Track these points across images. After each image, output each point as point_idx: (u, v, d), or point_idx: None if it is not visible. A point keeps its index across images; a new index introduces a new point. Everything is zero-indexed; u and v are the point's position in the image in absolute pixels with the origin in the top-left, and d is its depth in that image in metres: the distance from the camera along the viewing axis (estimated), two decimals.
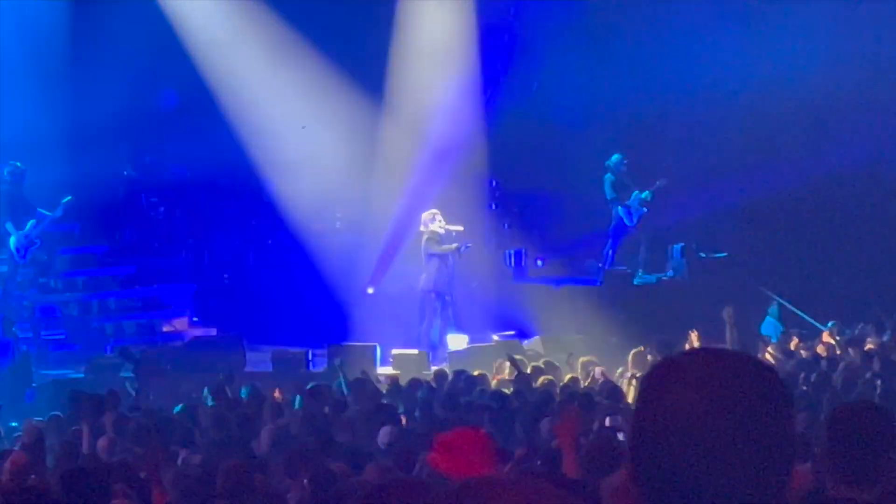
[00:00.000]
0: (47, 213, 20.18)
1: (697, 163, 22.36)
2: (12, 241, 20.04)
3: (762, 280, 21.45)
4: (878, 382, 13.88)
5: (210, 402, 13.76)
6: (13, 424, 14.55)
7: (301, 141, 23.10)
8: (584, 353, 17.06)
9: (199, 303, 22.73)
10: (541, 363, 16.36)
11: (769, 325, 20.24)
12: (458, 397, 13.43)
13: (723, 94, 22.54)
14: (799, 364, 15.93)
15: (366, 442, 11.04)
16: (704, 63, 22.65)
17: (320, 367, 18.79)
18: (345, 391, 14.57)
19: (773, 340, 18.71)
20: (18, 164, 20.29)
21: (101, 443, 11.05)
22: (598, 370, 15.67)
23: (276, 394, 14.37)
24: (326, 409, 12.98)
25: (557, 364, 16.47)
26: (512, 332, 20.69)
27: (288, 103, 23.11)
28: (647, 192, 21.55)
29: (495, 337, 20.46)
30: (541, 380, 14.53)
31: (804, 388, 13.82)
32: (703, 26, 22.61)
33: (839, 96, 22.40)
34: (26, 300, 20.63)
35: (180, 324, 21.82)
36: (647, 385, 2.41)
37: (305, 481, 8.85)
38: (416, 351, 19.36)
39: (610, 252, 22.15)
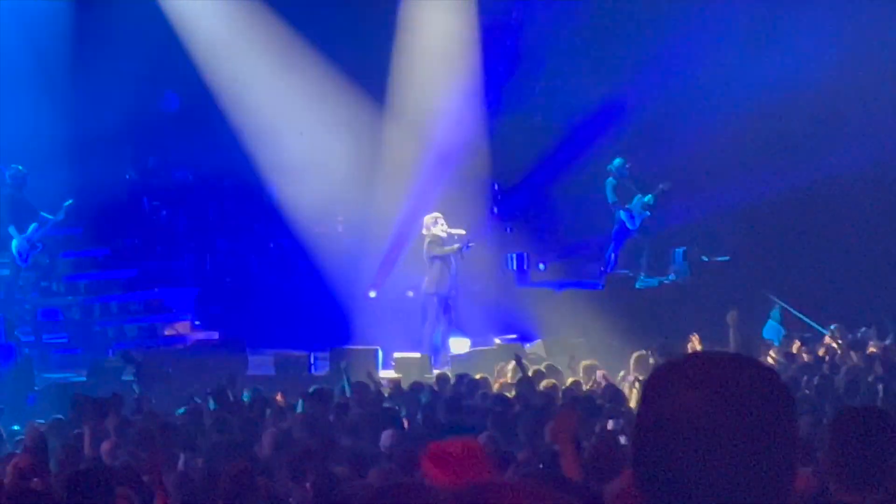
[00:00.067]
0: (49, 216, 20.17)
1: (700, 166, 22.35)
2: (14, 244, 20.04)
3: (764, 284, 21.44)
4: (881, 386, 13.87)
5: (212, 406, 13.76)
6: (15, 428, 14.56)
7: (303, 144, 23.12)
8: (586, 356, 17.05)
9: (202, 306, 22.73)
10: (543, 367, 16.34)
11: (771, 329, 20.23)
12: (460, 401, 13.43)
13: (725, 97, 22.54)
14: (801, 368, 15.92)
15: (368, 445, 11.04)
16: (708, 66, 22.66)
17: (322, 371, 18.79)
18: (348, 394, 14.57)
19: (776, 344, 18.70)
20: (20, 167, 20.29)
21: (104, 446, 11.04)
22: (599, 373, 15.67)
23: (279, 397, 14.37)
24: (331, 417, 12.97)
25: (559, 368, 16.46)
26: (514, 336, 20.70)
27: (291, 107, 23.12)
28: (649, 195, 21.54)
29: (497, 340, 20.46)
30: (543, 383, 14.52)
31: (806, 391, 13.82)
32: (707, 29, 22.62)
33: (843, 99, 22.41)
34: (28, 304, 20.64)
35: (182, 327, 21.82)
36: (650, 388, 2.42)
37: (308, 485, 8.85)
38: (418, 354, 19.36)
39: (612, 256, 22.14)
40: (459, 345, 20.31)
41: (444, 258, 19.51)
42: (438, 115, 23.18)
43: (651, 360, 15.89)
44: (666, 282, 21.86)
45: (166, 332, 21.68)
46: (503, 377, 16.36)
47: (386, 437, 10.97)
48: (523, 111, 23.64)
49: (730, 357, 2.43)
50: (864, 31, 22.34)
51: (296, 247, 23.68)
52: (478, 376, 15.56)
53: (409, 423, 12.59)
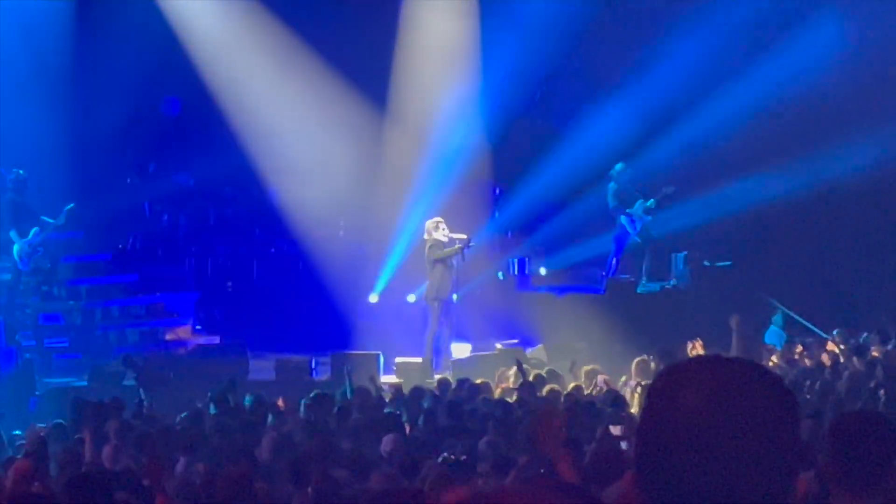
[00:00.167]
0: (50, 220, 20.17)
1: (701, 171, 22.36)
2: (15, 248, 20.04)
3: (766, 289, 21.43)
4: (882, 391, 13.86)
5: (212, 410, 13.76)
6: (16, 432, 14.55)
7: (305, 149, 23.13)
8: (588, 361, 17.04)
9: (203, 311, 22.74)
10: (544, 372, 16.34)
11: (773, 334, 20.22)
12: (461, 406, 13.43)
13: (727, 102, 22.54)
14: (803, 373, 15.91)
15: (369, 450, 11.03)
16: (709, 72, 22.67)
17: (323, 376, 18.79)
18: (349, 395, 14.57)
19: (778, 349, 18.68)
20: (21, 171, 20.29)
21: (105, 451, 11.04)
22: (600, 378, 15.66)
23: (280, 402, 14.36)
24: (332, 421, 12.96)
25: (561, 373, 16.45)
26: (515, 341, 20.69)
27: (292, 111, 23.14)
28: (651, 200, 21.52)
29: (499, 345, 20.46)
30: (545, 388, 14.52)
31: (808, 396, 13.81)
32: (708, 35, 22.62)
33: (844, 104, 22.41)
34: (29, 308, 20.63)
35: (183, 332, 21.81)
36: (654, 392, 2.41)
37: (309, 489, 8.85)
38: (419, 359, 19.35)
39: (613, 261, 22.13)
40: (460, 350, 20.30)
41: (445, 263, 19.50)
42: (439, 119, 23.20)
43: (652, 366, 15.90)
44: (667, 287, 21.85)
45: (167, 337, 21.67)
46: (504, 382, 16.35)
47: (387, 441, 10.97)
48: (524, 115, 23.64)
49: (733, 361, 2.42)
50: (865, 37, 22.35)
51: (297, 251, 23.70)
52: (479, 381, 15.55)
53: (410, 428, 12.59)
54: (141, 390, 15.70)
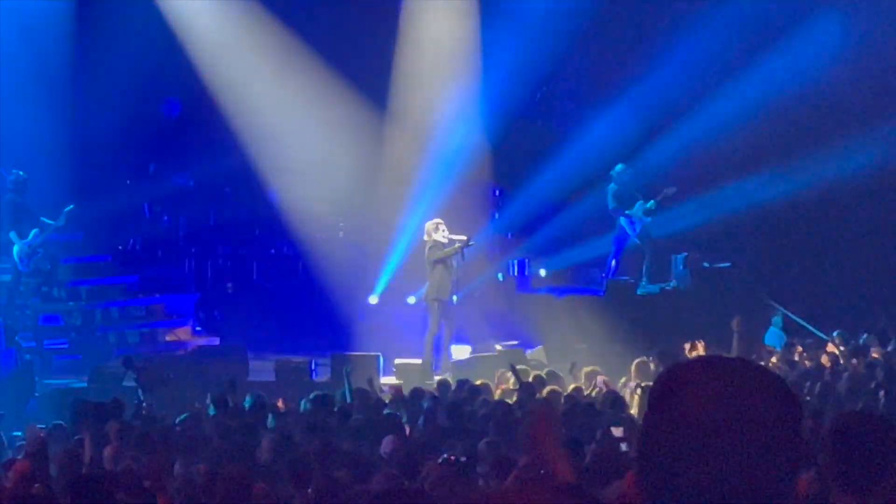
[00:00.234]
0: (50, 221, 20.17)
1: (701, 172, 22.36)
2: (15, 250, 20.04)
3: (766, 290, 21.43)
4: (882, 393, 13.87)
5: (212, 412, 13.76)
6: (16, 433, 14.55)
7: (305, 150, 23.14)
8: (588, 362, 17.04)
9: (203, 312, 22.75)
10: (543, 373, 16.34)
11: (773, 336, 20.21)
12: (461, 407, 13.43)
13: (727, 103, 22.54)
14: (803, 374, 15.91)
15: (369, 451, 11.04)
16: (708, 73, 22.69)
17: (323, 377, 18.79)
18: (348, 399, 14.57)
19: (778, 350, 18.68)
20: (21, 172, 20.29)
21: (105, 452, 11.04)
22: (600, 379, 15.66)
23: (280, 403, 14.37)
24: (332, 422, 12.97)
25: (560, 374, 16.46)
26: (515, 342, 20.69)
27: (291, 111, 23.14)
28: (651, 201, 21.51)
29: (499, 347, 20.45)
30: (545, 390, 14.52)
31: (808, 397, 13.81)
32: (708, 37, 22.63)
33: (844, 106, 22.43)
34: (29, 309, 20.63)
35: (183, 333, 21.82)
36: (656, 392, 2.41)
37: (310, 490, 8.85)
38: (419, 360, 19.35)
39: (613, 262, 22.12)
40: (460, 351, 20.31)
41: (445, 264, 19.50)
42: (440, 120, 23.21)
43: (652, 367, 15.90)
44: (667, 288, 21.84)
45: (167, 338, 21.68)
46: (504, 383, 16.35)
47: (387, 442, 10.97)
48: (524, 116, 23.64)
49: (736, 361, 2.43)
50: (864, 37, 22.35)
51: (297, 252, 23.71)
52: (479, 382, 15.55)
53: (410, 429, 12.59)
54: (139, 392, 15.70)
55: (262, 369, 19.21)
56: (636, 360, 16.16)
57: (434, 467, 9.15)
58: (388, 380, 18.41)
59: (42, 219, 20.21)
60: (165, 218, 24.32)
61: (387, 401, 14.88)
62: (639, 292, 21.64)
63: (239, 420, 12.73)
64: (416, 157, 23.13)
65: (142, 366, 17.11)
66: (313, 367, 18.99)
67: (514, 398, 14.32)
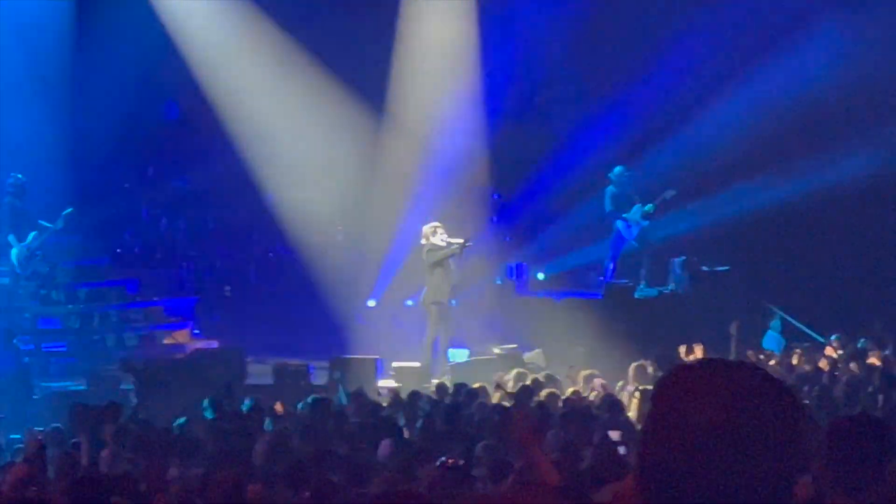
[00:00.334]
0: (48, 224, 20.18)
1: (699, 176, 22.37)
2: (14, 253, 20.05)
3: (764, 294, 21.43)
4: (880, 396, 13.87)
5: (209, 415, 13.76)
6: (14, 436, 14.55)
7: (303, 153, 23.16)
8: (586, 366, 17.04)
9: (201, 315, 22.75)
10: (542, 376, 16.33)
11: (771, 339, 20.22)
12: (458, 410, 13.43)
13: (725, 107, 22.56)
14: (801, 378, 15.91)
15: (366, 454, 11.04)
16: (708, 77, 22.71)
17: (321, 380, 18.78)
18: (344, 402, 14.57)
19: (776, 354, 18.68)
20: (20, 175, 20.30)
21: (102, 455, 11.04)
22: (597, 382, 15.66)
23: (278, 406, 14.37)
24: (330, 422, 12.98)
25: (558, 377, 16.46)
26: (513, 346, 20.68)
27: (290, 115, 23.15)
28: (649, 204, 21.52)
29: (497, 350, 20.44)
30: (543, 393, 14.52)
31: (806, 401, 13.81)
32: (707, 39, 22.65)
33: (843, 111, 22.44)
34: (27, 312, 20.63)
35: (182, 336, 21.82)
36: (659, 395, 2.41)
37: (307, 493, 8.85)
38: (417, 364, 19.35)
39: (610, 265, 22.14)
40: (458, 354, 20.30)
41: (443, 267, 19.49)
42: (438, 124, 23.22)
43: (650, 370, 15.90)
44: (665, 292, 21.84)
45: (165, 341, 21.68)
46: (503, 386, 16.34)
47: (384, 446, 10.97)
48: (523, 119, 23.65)
49: (738, 365, 2.43)
50: (862, 41, 22.36)
51: (295, 256, 23.71)
52: (476, 385, 15.55)
53: (407, 433, 12.59)
54: (131, 395, 15.71)
55: (260, 373, 19.20)
56: (634, 364, 16.15)
57: (431, 471, 9.15)
58: (386, 383, 18.41)
59: (40, 222, 20.21)
60: (164, 221, 24.33)
61: (384, 404, 14.89)
62: (637, 296, 21.64)
63: (236, 423, 12.73)
64: (414, 160, 23.15)
65: (140, 369, 17.13)
66: (312, 370, 18.98)
67: (512, 402, 14.32)
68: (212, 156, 23.26)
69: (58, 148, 21.83)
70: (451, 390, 15.55)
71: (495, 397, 15.42)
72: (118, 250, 23.51)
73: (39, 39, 22.11)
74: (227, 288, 24.62)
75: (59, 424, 13.35)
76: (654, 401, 2.42)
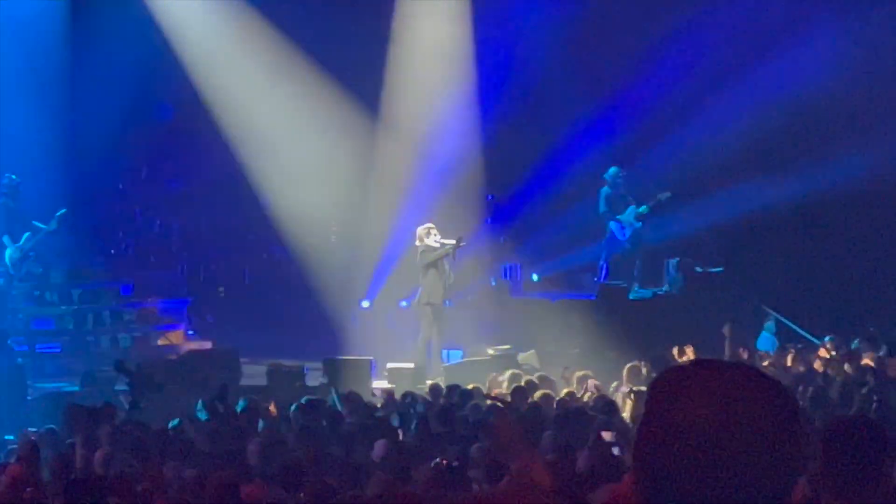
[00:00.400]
0: (42, 225, 20.16)
1: (693, 177, 22.37)
2: (7, 253, 20.04)
3: (758, 295, 21.44)
4: (875, 398, 13.87)
5: (203, 416, 13.76)
6: (9, 437, 14.54)
7: (297, 154, 23.15)
8: (580, 367, 17.04)
9: (195, 316, 22.74)
10: (536, 377, 16.34)
11: (765, 340, 20.23)
12: (452, 411, 13.43)
13: (719, 108, 22.56)
14: (795, 379, 15.92)
15: (360, 456, 11.04)
16: (702, 78, 22.70)
17: (315, 381, 18.78)
18: (338, 407, 14.57)
19: (771, 355, 18.69)
20: (14, 176, 20.29)
21: (97, 456, 11.03)
22: (591, 383, 15.67)
23: (272, 408, 14.36)
24: (324, 423, 12.99)
25: (553, 378, 16.46)
26: (507, 347, 20.69)
27: (284, 116, 23.15)
28: (644, 206, 21.53)
29: (491, 351, 20.45)
30: (537, 394, 14.52)
31: (800, 402, 13.82)
32: (701, 42, 22.67)
33: (836, 112, 22.44)
34: (21, 313, 20.62)
35: (176, 337, 21.81)
36: (654, 395, 2.41)
37: (302, 494, 8.85)
38: (411, 365, 19.35)
39: (603, 266, 22.15)
40: (452, 355, 20.30)
41: (437, 268, 19.50)
42: (432, 126, 23.22)
43: (644, 371, 15.91)
44: (660, 293, 21.85)
45: (159, 342, 21.67)
46: (497, 388, 16.35)
47: (378, 447, 10.97)
48: (517, 120, 23.64)
49: (734, 365, 2.43)
50: (858, 43, 22.38)
51: (289, 257, 23.70)
52: (470, 386, 15.55)
53: (402, 434, 12.60)
54: (121, 398, 15.69)
55: (254, 374, 19.20)
56: (628, 365, 16.17)
57: (426, 472, 9.16)
58: (379, 384, 18.40)
59: (34, 223, 20.20)
60: (158, 222, 24.31)
61: (378, 405, 14.89)
62: (631, 297, 21.65)
63: (230, 425, 12.72)
64: (409, 161, 23.14)
65: (134, 370, 17.09)
66: (305, 371, 18.97)
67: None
68: (206, 157, 23.25)
69: (52, 149, 21.81)
70: (444, 391, 15.54)
71: (494, 392, 15.42)
72: (112, 251, 23.49)
73: (34, 40, 22.09)
74: (221, 289, 24.61)
75: (53, 426, 13.33)
76: (649, 402, 2.42)
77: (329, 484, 8.95)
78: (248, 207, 23.85)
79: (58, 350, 20.80)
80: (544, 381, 16.02)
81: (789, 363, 17.48)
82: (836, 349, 18.17)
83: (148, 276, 23.00)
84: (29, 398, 17.70)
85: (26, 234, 20.10)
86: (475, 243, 21.70)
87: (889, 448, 4.83)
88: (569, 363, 17.57)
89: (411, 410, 14.02)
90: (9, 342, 18.76)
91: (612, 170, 21.81)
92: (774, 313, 20.83)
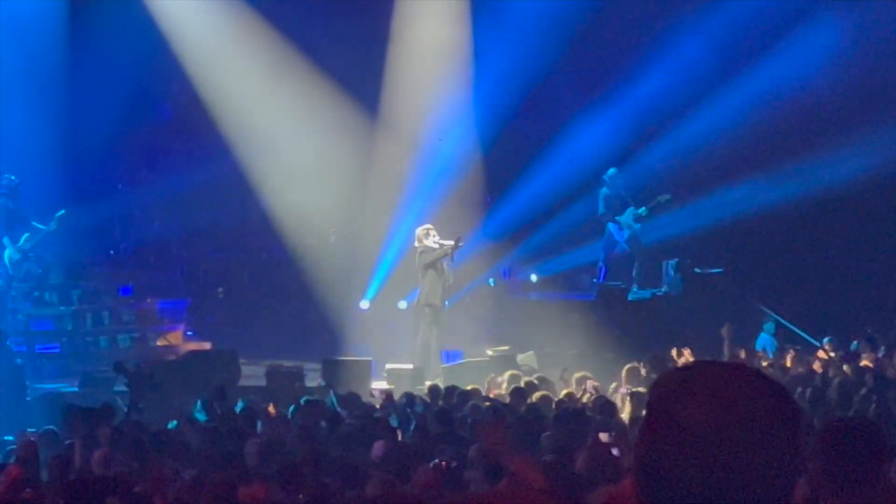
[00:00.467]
0: (42, 226, 20.17)
1: (692, 178, 22.39)
2: (6, 254, 20.04)
3: (757, 296, 21.44)
4: (874, 398, 13.87)
5: (202, 417, 13.76)
6: (8, 438, 14.54)
7: (296, 155, 23.15)
8: (579, 368, 17.04)
9: (194, 317, 22.74)
10: (535, 378, 16.34)
11: (764, 341, 20.24)
12: (451, 412, 13.43)
13: (718, 110, 22.58)
14: (794, 380, 15.92)
15: (359, 456, 11.04)
16: (700, 80, 22.71)
17: (314, 382, 18.78)
18: (337, 407, 14.57)
19: (769, 356, 18.70)
20: (13, 177, 20.30)
21: (96, 457, 11.03)
22: (589, 384, 15.67)
23: (271, 408, 14.36)
24: (323, 423, 12.99)
25: (551, 379, 16.47)
26: (506, 347, 20.69)
27: (283, 117, 23.15)
28: (643, 208, 21.54)
29: (490, 352, 20.45)
30: (536, 395, 14.53)
31: (799, 403, 13.81)
32: (701, 41, 22.67)
33: (836, 114, 22.46)
34: (20, 314, 20.62)
35: (175, 338, 21.81)
36: (656, 396, 2.42)
37: (301, 496, 8.85)
38: (410, 365, 19.35)
39: (602, 267, 22.16)
40: (451, 356, 20.30)
41: (436, 268, 19.51)
42: (431, 126, 23.23)
43: (643, 372, 15.91)
44: (658, 294, 21.85)
45: (158, 343, 21.67)
46: (495, 389, 16.36)
47: (377, 447, 10.97)
48: (516, 121, 23.65)
49: (735, 367, 2.44)
50: (856, 47, 22.39)
51: (288, 258, 23.69)
52: (469, 387, 15.55)
53: (401, 435, 12.60)
54: (118, 400, 15.70)
55: (253, 374, 19.20)
56: (627, 366, 16.17)
57: (425, 472, 9.16)
58: (379, 384, 18.41)
59: (34, 223, 20.21)
60: (157, 223, 24.31)
61: (377, 406, 14.89)
62: (630, 298, 21.65)
63: (228, 425, 12.72)
64: (408, 161, 23.15)
65: (133, 371, 17.10)
66: (304, 372, 18.98)
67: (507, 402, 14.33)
68: (205, 157, 23.24)
69: (51, 149, 21.81)
70: (443, 392, 15.55)
71: (493, 393, 15.43)
72: (111, 252, 23.49)
73: (33, 41, 22.09)
74: (220, 289, 24.61)
75: (52, 426, 13.32)
76: (650, 403, 2.42)
77: (328, 484, 8.96)
78: (248, 208, 23.85)
79: (57, 351, 20.80)
80: (543, 382, 16.02)
81: (788, 364, 17.49)
82: (835, 350, 18.18)
83: (147, 277, 23.00)
84: (28, 399, 17.69)
85: (25, 235, 20.10)
86: (474, 244, 21.71)
87: (887, 449, 4.84)
88: (568, 364, 17.57)
89: (410, 411, 14.02)
90: (8, 343, 18.76)
91: (611, 171, 21.82)
92: (773, 314, 20.83)
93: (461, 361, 19.96)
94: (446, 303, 19.92)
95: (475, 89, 23.78)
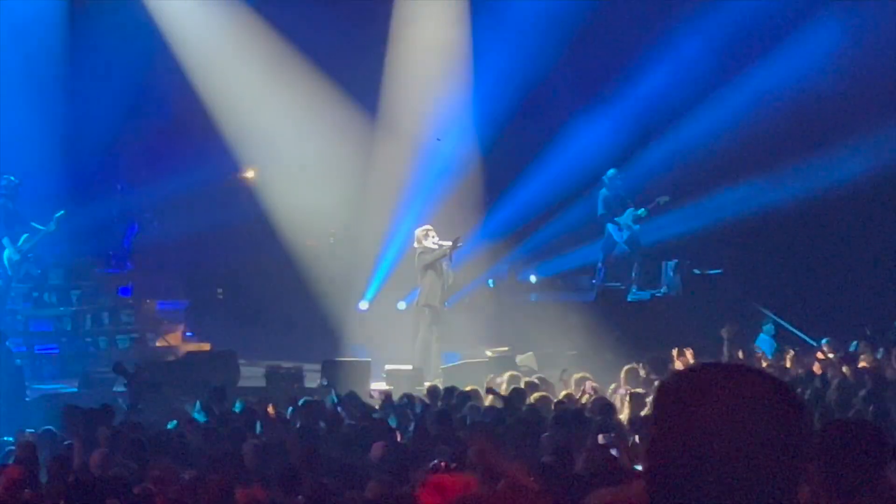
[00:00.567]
0: (41, 227, 20.16)
1: (691, 179, 22.38)
2: (6, 255, 20.04)
3: (756, 297, 21.44)
4: (873, 400, 13.87)
5: (201, 418, 13.76)
6: (7, 438, 14.53)
7: (296, 156, 23.16)
8: (578, 368, 17.04)
9: (193, 318, 22.73)
10: (534, 379, 16.34)
11: (763, 342, 20.24)
12: (450, 413, 13.43)
13: (717, 111, 22.58)
14: (793, 381, 15.92)
15: (358, 457, 11.04)
16: (700, 81, 22.71)
17: (314, 383, 18.78)
18: (337, 408, 14.57)
19: (768, 357, 18.70)
20: (13, 177, 20.30)
21: (95, 457, 11.02)
22: (588, 384, 15.67)
23: (270, 409, 14.36)
24: (322, 424, 12.99)
25: (550, 380, 16.46)
26: (506, 348, 20.70)
27: (283, 118, 23.15)
28: (642, 209, 21.53)
29: (489, 352, 20.46)
30: (535, 396, 14.52)
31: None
32: (701, 42, 22.67)
33: (836, 115, 22.45)
34: (20, 314, 20.61)
35: (174, 339, 21.81)
36: (664, 399, 2.42)
37: (300, 497, 8.85)
38: (409, 366, 19.35)
39: (601, 268, 22.16)
40: (450, 357, 20.31)
41: (436, 269, 19.52)
42: (430, 127, 23.23)
43: (642, 373, 15.90)
44: (658, 295, 21.85)
45: (158, 344, 21.66)
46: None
47: (376, 448, 10.97)
48: (515, 122, 23.64)
49: (739, 368, 2.44)
50: (856, 49, 22.38)
51: (287, 259, 23.69)
52: (468, 388, 15.55)
53: (400, 436, 12.60)
54: (119, 400, 15.70)
55: (252, 375, 19.20)
56: (626, 367, 16.17)
57: (423, 474, 9.15)
58: (378, 385, 18.41)
59: (33, 224, 20.20)
60: (156, 224, 24.29)
61: (376, 407, 14.89)
62: (629, 299, 21.65)
63: (227, 426, 12.72)
64: (407, 162, 23.15)
65: (132, 371, 17.10)
66: (303, 373, 18.98)
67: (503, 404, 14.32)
68: (204, 158, 23.23)
69: (51, 150, 21.82)
70: (442, 393, 15.54)
71: (487, 399, 15.43)
72: (110, 253, 23.48)
73: (33, 41, 22.10)
74: (220, 290, 24.60)
75: (51, 427, 13.32)
76: (658, 406, 2.43)
77: (326, 485, 8.95)
78: (248, 208, 23.85)
79: (56, 351, 20.79)
80: (542, 382, 16.02)
81: (788, 365, 17.49)
82: (834, 351, 18.17)
83: (146, 278, 22.99)
84: (27, 399, 17.68)
85: (25, 236, 20.10)
86: (473, 245, 21.71)
87: (887, 451, 4.84)
88: (567, 365, 17.56)
89: (409, 412, 14.02)
90: (7, 343, 18.75)
91: (611, 171, 21.82)
92: (773, 315, 20.83)
93: (460, 362, 19.97)
94: (445, 303, 19.92)
95: (474, 90, 23.78)
